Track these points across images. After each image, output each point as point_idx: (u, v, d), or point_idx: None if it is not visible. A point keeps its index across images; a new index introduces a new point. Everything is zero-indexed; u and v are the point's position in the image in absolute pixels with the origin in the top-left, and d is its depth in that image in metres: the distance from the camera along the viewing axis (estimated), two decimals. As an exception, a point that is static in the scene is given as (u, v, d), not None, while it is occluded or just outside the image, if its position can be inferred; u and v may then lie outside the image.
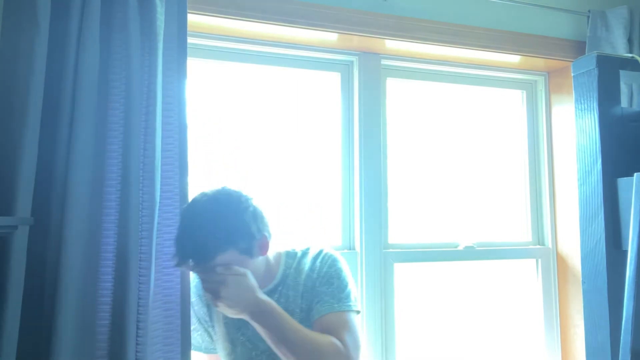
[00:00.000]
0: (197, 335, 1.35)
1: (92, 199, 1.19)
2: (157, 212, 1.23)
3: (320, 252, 1.34)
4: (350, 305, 1.26)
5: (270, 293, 1.27)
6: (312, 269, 1.30)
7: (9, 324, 1.05)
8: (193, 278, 1.34)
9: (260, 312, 1.17)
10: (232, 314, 1.18)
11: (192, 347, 1.31)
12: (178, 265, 1.18)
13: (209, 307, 1.34)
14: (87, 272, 1.16)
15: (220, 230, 1.15)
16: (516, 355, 2.08)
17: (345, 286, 1.29)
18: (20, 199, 1.09)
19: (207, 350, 1.38)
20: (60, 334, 1.10)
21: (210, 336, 1.36)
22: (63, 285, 1.12)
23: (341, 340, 1.19)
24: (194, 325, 1.35)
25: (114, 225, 1.20)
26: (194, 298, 1.35)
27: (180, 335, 1.25)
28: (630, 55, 1.63)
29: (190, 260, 1.16)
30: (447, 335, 2.00)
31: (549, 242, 2.14)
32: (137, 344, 1.17)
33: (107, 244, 1.19)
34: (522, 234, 2.17)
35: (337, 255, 1.35)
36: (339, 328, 1.21)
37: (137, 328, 1.17)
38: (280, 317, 1.18)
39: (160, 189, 1.26)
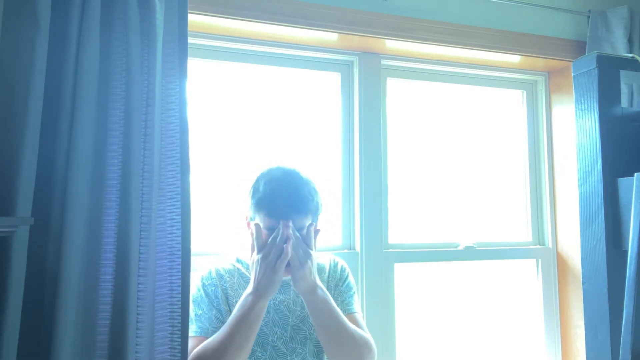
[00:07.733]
0: (205, 319, 1.33)
1: (93, 198, 1.18)
2: (155, 211, 1.23)
3: (332, 257, 1.51)
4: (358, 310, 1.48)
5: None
6: (333, 269, 1.46)
7: (9, 324, 1.05)
8: (212, 266, 1.40)
9: (318, 294, 1.30)
10: (302, 286, 1.29)
11: (195, 333, 1.30)
12: (269, 216, 1.30)
13: (225, 292, 1.36)
14: (87, 272, 1.16)
15: (311, 191, 1.34)
16: (516, 355, 2.08)
17: (355, 292, 1.50)
18: (20, 199, 1.09)
19: (212, 334, 1.34)
20: (60, 334, 1.10)
21: (221, 321, 1.33)
22: (63, 285, 1.11)
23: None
24: (202, 310, 1.34)
25: (114, 225, 1.19)
26: (208, 281, 1.37)
27: (181, 340, 1.24)
28: (630, 55, 1.63)
29: (283, 215, 1.29)
30: (448, 335, 2.00)
31: (549, 242, 2.14)
32: (136, 344, 1.16)
33: (107, 244, 1.18)
34: (523, 234, 2.17)
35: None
36: (363, 326, 1.41)
37: (137, 329, 1.17)
38: (333, 304, 1.32)
39: (163, 188, 1.26)
